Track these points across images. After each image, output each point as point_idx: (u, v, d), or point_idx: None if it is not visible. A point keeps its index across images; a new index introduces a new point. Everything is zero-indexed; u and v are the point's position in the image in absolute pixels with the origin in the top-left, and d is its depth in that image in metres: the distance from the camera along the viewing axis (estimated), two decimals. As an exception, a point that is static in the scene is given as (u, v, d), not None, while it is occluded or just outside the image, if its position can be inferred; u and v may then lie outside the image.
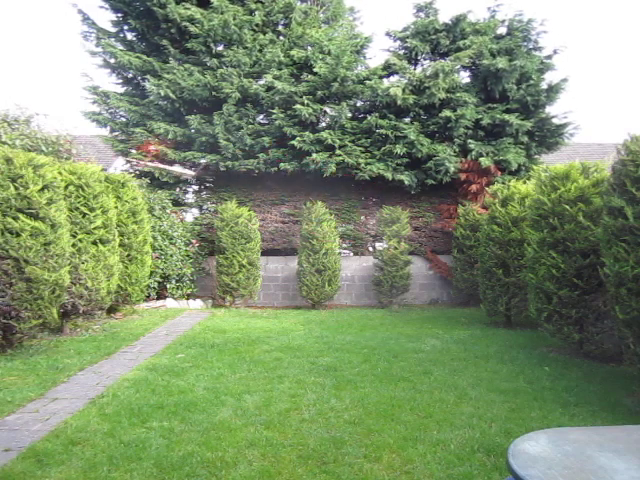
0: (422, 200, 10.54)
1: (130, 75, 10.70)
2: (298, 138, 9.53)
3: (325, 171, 9.57)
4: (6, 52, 38.48)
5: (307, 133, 9.56)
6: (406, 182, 9.81)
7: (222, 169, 10.01)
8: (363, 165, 9.67)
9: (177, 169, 10.03)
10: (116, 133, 10.85)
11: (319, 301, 9.38)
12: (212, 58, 9.78)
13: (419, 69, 10.36)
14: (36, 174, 5.49)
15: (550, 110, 10.28)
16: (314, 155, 9.44)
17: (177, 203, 10.42)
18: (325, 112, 9.98)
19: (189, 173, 10.02)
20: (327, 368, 4.94)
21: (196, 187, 11.11)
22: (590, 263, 5.01)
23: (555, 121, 10.04)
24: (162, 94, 9.66)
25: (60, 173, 6.29)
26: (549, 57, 10.15)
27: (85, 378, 4.61)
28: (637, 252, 3.85)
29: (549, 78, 10.14)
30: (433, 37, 10.02)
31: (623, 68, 42.46)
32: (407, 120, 10.13)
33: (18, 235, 5.28)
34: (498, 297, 7.23)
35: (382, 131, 9.66)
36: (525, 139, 9.82)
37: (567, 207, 5.19)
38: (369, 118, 9.71)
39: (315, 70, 9.55)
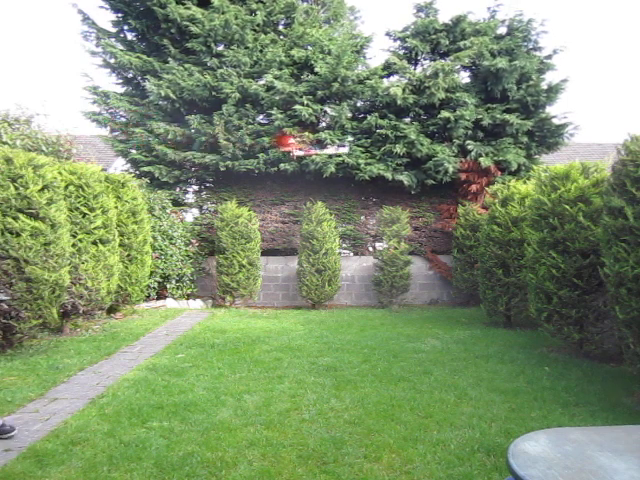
0: (422, 200, 10.53)
1: (130, 75, 10.69)
2: (298, 138, 9.52)
3: (325, 171, 9.57)
4: (6, 52, 38.50)
5: (307, 133, 9.55)
6: (406, 182, 9.81)
7: (222, 169, 10.00)
8: (363, 165, 9.67)
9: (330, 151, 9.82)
10: (116, 133, 10.85)
11: (319, 301, 9.38)
12: (212, 58, 9.77)
13: (419, 69, 10.37)
14: (36, 174, 5.49)
15: (550, 110, 10.28)
16: (313, 155, 9.44)
17: (177, 203, 10.42)
18: (325, 112, 9.98)
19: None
20: (327, 368, 4.94)
21: (196, 187, 11.11)
22: (590, 263, 5.01)
23: (555, 121, 10.04)
24: (162, 94, 9.65)
25: (60, 173, 6.29)
26: (549, 57, 10.15)
27: (85, 378, 4.61)
28: (637, 252, 3.85)
29: (549, 78, 10.17)
30: (433, 37, 10.02)
31: (623, 68, 42.46)
32: (407, 120, 10.13)
33: (18, 235, 5.28)
34: (498, 297, 7.23)
35: (382, 131, 9.66)
36: (525, 139, 9.82)
37: (567, 207, 5.19)
38: (369, 118, 9.71)
39: (315, 70, 9.54)
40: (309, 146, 9.65)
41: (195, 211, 10.96)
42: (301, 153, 9.65)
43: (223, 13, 9.60)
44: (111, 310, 8.00)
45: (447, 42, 9.99)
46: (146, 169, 10.06)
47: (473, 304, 9.52)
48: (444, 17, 10.37)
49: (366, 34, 10.46)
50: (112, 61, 10.31)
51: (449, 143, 9.89)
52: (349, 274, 10.50)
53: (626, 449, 1.63)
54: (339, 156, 9.60)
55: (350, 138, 9.94)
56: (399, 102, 9.48)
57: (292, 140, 9.54)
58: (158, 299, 9.34)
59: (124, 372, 4.79)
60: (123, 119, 10.72)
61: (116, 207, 7.55)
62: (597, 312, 5.12)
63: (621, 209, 4.01)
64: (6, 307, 4.92)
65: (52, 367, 4.87)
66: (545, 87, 9.93)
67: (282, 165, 9.76)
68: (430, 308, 9.75)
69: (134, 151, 10.36)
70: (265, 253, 10.34)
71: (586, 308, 5.16)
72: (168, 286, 9.33)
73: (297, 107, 9.43)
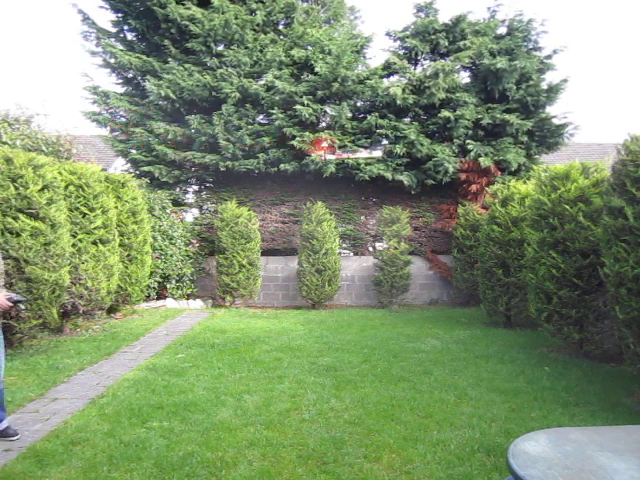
0: (422, 200, 10.53)
1: (130, 75, 10.69)
2: (298, 138, 9.53)
3: (325, 171, 9.57)
4: (6, 52, 38.50)
5: (307, 133, 9.56)
6: (406, 182, 9.81)
7: (222, 169, 10.00)
8: (363, 165, 9.67)
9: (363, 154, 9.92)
10: (116, 133, 10.85)
11: (319, 301, 9.38)
12: (212, 58, 9.77)
13: (419, 69, 10.37)
14: (36, 174, 5.49)
15: (550, 110, 10.29)
16: (313, 155, 9.44)
17: (177, 203, 10.42)
18: (325, 112, 9.98)
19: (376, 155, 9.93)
20: (327, 368, 4.94)
21: (196, 187, 11.12)
22: (590, 263, 5.01)
23: (555, 121, 10.04)
24: (162, 94, 9.65)
25: (60, 173, 6.28)
26: (549, 57, 10.15)
27: (85, 378, 4.61)
28: (637, 252, 3.85)
29: (549, 78, 10.17)
30: (433, 37, 10.02)
31: (623, 68, 42.46)
32: (407, 120, 10.13)
33: (18, 235, 5.28)
34: (498, 297, 7.23)
35: (382, 131, 9.66)
36: (525, 139, 9.82)
37: (567, 207, 5.19)
38: (369, 118, 9.71)
39: (316, 70, 9.54)
40: (343, 150, 9.70)
41: (195, 211, 10.96)
42: (332, 157, 9.70)
43: (223, 13, 9.60)
44: (111, 310, 8.00)
45: (447, 42, 9.99)
46: (146, 169, 10.06)
47: (473, 304, 9.52)
48: (444, 17, 10.40)
49: (366, 34, 10.47)
50: (112, 61, 10.31)
51: (449, 143, 9.89)
52: (349, 274, 10.50)
53: (626, 449, 1.63)
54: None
55: (385, 142, 9.97)
56: (399, 102, 9.48)
57: (325, 144, 9.58)
58: (158, 299, 9.34)
59: (124, 372, 4.79)
60: (123, 119, 10.72)
61: (116, 207, 7.55)
62: (597, 312, 5.12)
63: (621, 209, 4.01)
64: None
65: (52, 367, 4.87)
66: (545, 87, 9.93)
67: (282, 165, 9.76)
68: (430, 308, 9.75)
69: (134, 151, 10.36)
70: (265, 253, 10.34)
71: (586, 308, 5.16)
72: (168, 286, 9.33)
73: (297, 107, 9.43)
